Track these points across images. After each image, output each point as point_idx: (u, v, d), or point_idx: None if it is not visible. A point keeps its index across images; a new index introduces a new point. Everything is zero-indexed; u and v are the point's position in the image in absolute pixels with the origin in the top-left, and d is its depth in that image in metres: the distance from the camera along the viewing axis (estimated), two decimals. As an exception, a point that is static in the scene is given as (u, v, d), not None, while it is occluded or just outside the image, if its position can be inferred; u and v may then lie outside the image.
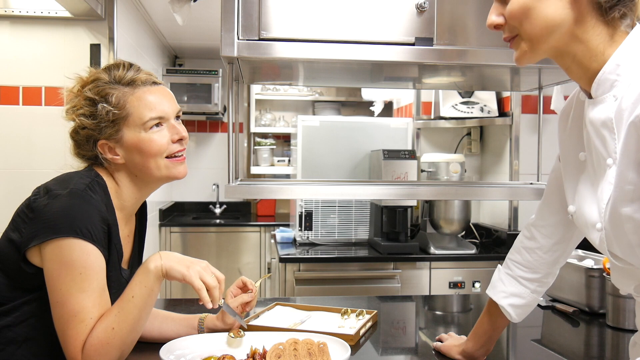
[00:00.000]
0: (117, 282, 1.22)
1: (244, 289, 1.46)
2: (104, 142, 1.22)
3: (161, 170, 1.23)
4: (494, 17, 0.94)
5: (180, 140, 1.25)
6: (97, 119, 1.20)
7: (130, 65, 1.26)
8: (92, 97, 1.21)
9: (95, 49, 2.72)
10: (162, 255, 1.16)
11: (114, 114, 1.19)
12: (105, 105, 1.19)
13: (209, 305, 1.16)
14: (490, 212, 3.39)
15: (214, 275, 1.19)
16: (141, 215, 1.39)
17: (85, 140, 1.23)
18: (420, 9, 1.46)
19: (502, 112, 3.19)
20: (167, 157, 1.24)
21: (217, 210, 4.83)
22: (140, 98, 1.21)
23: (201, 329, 1.41)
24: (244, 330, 1.35)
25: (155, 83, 1.26)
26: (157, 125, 1.22)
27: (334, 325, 1.51)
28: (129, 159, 1.22)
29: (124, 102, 1.20)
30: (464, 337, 1.37)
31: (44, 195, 1.14)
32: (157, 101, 1.23)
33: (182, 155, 1.27)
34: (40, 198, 1.14)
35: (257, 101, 4.78)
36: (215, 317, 1.42)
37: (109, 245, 1.17)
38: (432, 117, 3.26)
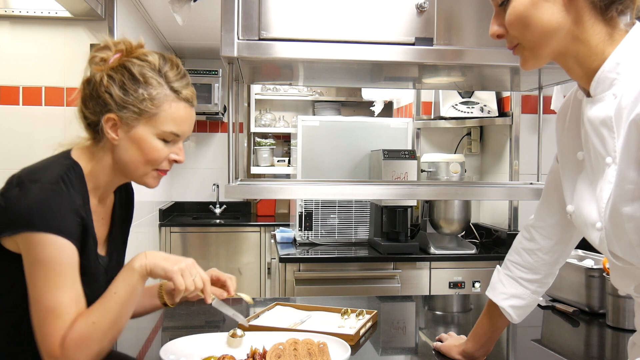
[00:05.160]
0: (95, 270, 1.21)
1: (218, 283, 1.37)
2: (115, 118, 1.19)
3: (140, 175, 1.24)
4: (495, 27, 0.96)
5: (175, 162, 1.26)
6: (128, 96, 1.18)
7: (184, 74, 1.25)
8: (135, 73, 1.19)
9: (95, 49, 2.71)
10: (148, 255, 1.16)
11: (146, 105, 1.19)
12: (145, 93, 1.18)
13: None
14: (490, 212, 3.39)
15: (199, 275, 1.19)
16: (127, 201, 1.38)
17: (102, 103, 1.19)
18: (420, 9, 1.46)
19: (502, 112, 3.18)
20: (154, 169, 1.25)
21: (217, 210, 4.83)
22: (174, 109, 1.21)
23: (161, 296, 1.36)
24: (244, 329, 1.35)
25: (192, 105, 1.26)
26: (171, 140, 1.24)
27: (334, 325, 1.51)
28: (124, 147, 1.21)
29: (161, 103, 1.20)
30: (464, 337, 1.37)
31: (15, 185, 1.12)
32: (184, 120, 1.23)
33: (165, 173, 1.28)
34: (13, 188, 1.12)
35: (257, 101, 4.78)
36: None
37: (85, 236, 1.17)
38: (432, 117, 3.26)
